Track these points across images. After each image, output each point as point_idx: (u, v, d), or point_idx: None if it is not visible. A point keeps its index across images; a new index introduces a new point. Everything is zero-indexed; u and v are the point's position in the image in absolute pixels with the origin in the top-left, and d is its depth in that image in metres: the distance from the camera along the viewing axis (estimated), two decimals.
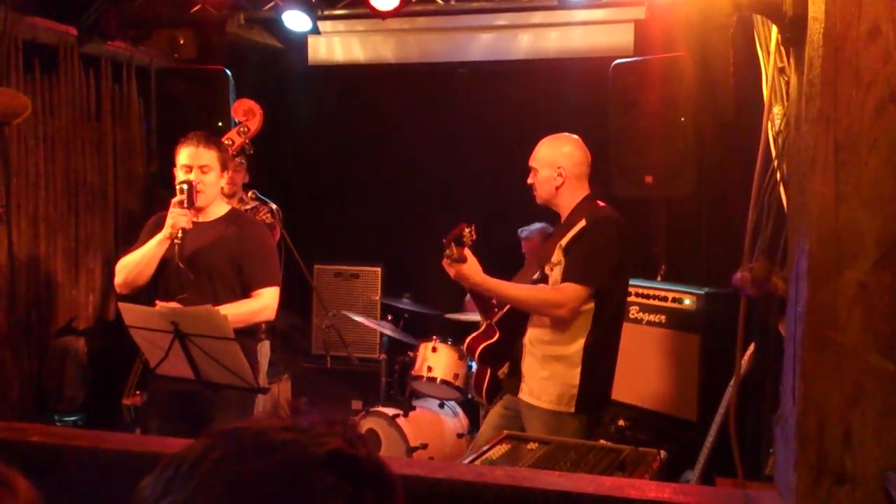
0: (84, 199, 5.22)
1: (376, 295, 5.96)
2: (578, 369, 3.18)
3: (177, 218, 3.15)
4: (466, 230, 3.14)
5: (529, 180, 3.39)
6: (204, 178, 3.23)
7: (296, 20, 5.10)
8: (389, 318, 5.34)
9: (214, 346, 2.90)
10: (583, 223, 3.21)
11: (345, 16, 5.52)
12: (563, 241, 3.21)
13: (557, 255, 3.23)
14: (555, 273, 3.23)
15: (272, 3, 5.21)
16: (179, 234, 3.15)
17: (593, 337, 3.19)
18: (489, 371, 3.50)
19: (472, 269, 3.19)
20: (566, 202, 3.33)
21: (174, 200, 3.20)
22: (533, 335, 3.30)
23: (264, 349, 4.35)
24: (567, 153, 3.34)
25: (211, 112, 4.81)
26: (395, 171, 6.07)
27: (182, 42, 5.48)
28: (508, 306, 3.40)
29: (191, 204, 3.20)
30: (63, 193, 5.08)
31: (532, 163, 3.38)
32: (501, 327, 3.40)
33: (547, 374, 3.22)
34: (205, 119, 4.73)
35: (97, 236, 5.30)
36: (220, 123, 4.61)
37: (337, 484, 0.79)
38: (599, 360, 3.24)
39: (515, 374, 3.35)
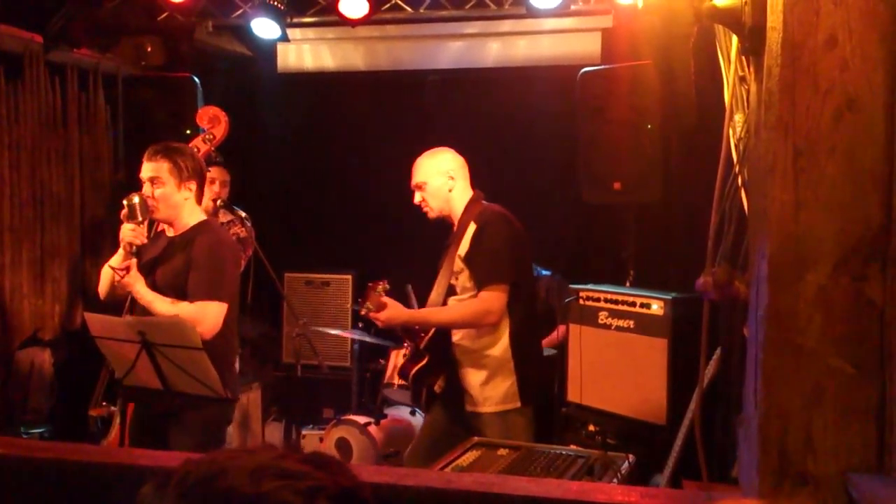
0: (50, 207, 5.14)
1: (347, 303, 5.93)
2: (511, 364, 3.31)
3: (124, 233, 3.12)
4: (374, 291, 3.30)
5: (417, 199, 3.47)
6: (154, 192, 3.18)
7: (264, 28, 5.07)
8: (360, 325, 5.31)
9: (182, 355, 2.88)
10: (473, 227, 3.31)
11: (314, 23, 5.49)
12: (461, 251, 3.34)
13: (458, 265, 3.37)
14: (461, 280, 3.36)
15: (241, 11, 5.17)
16: (133, 249, 3.12)
17: (514, 330, 3.35)
18: (425, 389, 3.58)
19: (395, 311, 3.34)
20: (457, 207, 3.43)
21: (121, 215, 3.17)
22: (460, 346, 3.41)
23: None
24: (450, 159, 3.48)
25: (179, 120, 4.78)
26: (366, 179, 6.04)
27: (149, 49, 5.44)
28: (433, 329, 3.49)
29: (144, 218, 3.15)
30: (28, 202, 5.01)
31: (417, 179, 3.46)
32: (429, 349, 3.49)
33: (484, 379, 3.34)
34: (173, 127, 4.70)
35: (63, 245, 5.22)
36: (188, 131, 4.57)
37: None
38: (527, 350, 3.40)
39: (455, 388, 3.42)
